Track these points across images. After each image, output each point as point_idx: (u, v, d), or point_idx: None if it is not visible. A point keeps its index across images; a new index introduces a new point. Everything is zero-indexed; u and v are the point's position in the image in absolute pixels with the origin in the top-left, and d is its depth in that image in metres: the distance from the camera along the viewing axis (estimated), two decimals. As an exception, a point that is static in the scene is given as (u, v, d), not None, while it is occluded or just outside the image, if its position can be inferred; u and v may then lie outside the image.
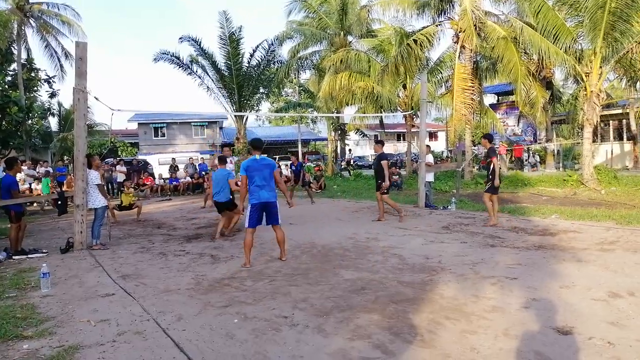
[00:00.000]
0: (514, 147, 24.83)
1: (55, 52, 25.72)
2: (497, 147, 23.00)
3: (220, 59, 23.45)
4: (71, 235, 7.84)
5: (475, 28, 17.73)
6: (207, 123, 37.63)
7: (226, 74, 23.78)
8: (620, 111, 23.05)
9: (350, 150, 37.26)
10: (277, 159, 27.10)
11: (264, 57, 24.43)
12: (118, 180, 17.81)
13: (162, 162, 25.43)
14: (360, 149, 46.08)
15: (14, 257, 7.22)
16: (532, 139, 25.83)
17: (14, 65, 22.85)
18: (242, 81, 24.02)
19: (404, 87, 22.32)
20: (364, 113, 23.16)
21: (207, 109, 48.45)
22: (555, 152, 23.77)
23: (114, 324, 4.12)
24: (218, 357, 3.38)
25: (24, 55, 24.33)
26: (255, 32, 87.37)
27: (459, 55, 18.94)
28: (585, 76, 15.34)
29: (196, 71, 23.94)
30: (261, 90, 26.52)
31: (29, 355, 3.49)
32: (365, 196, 15.06)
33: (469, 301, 4.44)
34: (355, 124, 26.77)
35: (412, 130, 23.52)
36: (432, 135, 48.06)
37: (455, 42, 19.45)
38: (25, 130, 20.53)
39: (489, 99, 30.74)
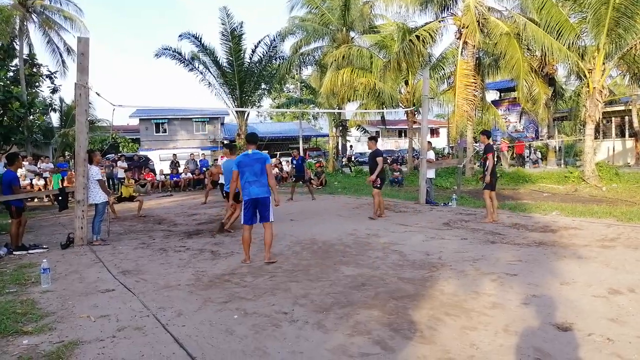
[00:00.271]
0: (515, 144, 24.77)
1: (57, 48, 25.70)
2: (499, 144, 23.05)
3: (221, 55, 23.43)
4: (72, 230, 7.85)
5: (478, 24, 17.66)
6: (208, 119, 37.60)
7: (228, 69, 23.75)
8: (622, 108, 22.95)
9: (351, 146, 37.18)
10: (278, 155, 27.08)
11: (266, 53, 24.39)
12: (119, 176, 17.82)
13: (163, 158, 25.48)
14: (362, 145, 45.93)
15: (14, 252, 7.23)
16: (533, 136, 25.75)
17: (16, 61, 22.80)
18: (243, 77, 23.99)
19: (406, 83, 22.25)
20: (366, 109, 23.11)
21: (209, 105, 48.45)
22: (557, 148, 23.69)
23: (114, 319, 4.13)
24: (218, 353, 3.38)
25: (26, 51, 24.31)
26: (256, 31, 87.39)
27: (462, 52, 18.88)
28: (588, 73, 15.29)
29: (197, 67, 23.92)
30: (263, 86, 26.50)
31: (29, 351, 3.49)
32: (366, 193, 15.01)
33: (469, 297, 4.44)
34: (357, 120, 26.70)
35: (414, 126, 23.47)
36: (434, 132, 47.95)
37: (457, 38, 19.40)
38: (26, 125, 20.53)
39: (491, 96, 30.64)
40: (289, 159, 18.79)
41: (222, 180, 10.12)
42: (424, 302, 4.36)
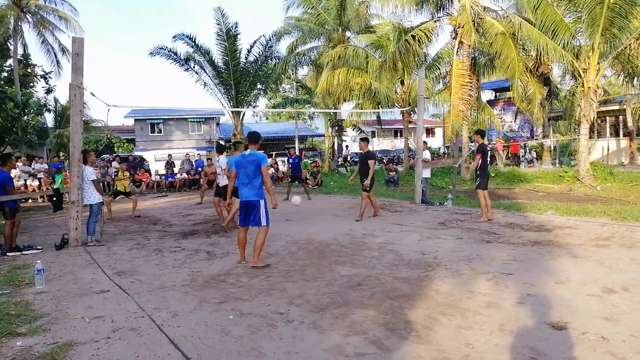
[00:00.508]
0: (510, 143, 24.85)
1: (52, 48, 25.59)
2: (494, 143, 23.10)
3: (217, 55, 23.36)
4: (66, 231, 7.81)
5: (474, 24, 17.69)
6: (203, 119, 37.50)
7: (223, 69, 23.70)
8: (617, 107, 23.08)
9: (347, 146, 37.25)
10: (274, 155, 27.05)
11: (262, 53, 24.34)
12: (112, 176, 17.75)
13: (158, 158, 25.36)
14: (358, 145, 46.03)
15: (8, 253, 7.18)
16: (529, 135, 25.85)
17: (10, 61, 22.69)
18: (239, 77, 23.94)
19: (402, 83, 22.29)
20: (362, 109, 23.12)
21: (204, 105, 48.37)
22: (552, 148, 23.80)
23: (109, 320, 4.11)
24: (213, 354, 3.37)
25: (20, 51, 24.16)
26: (251, 30, 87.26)
27: (457, 51, 18.91)
28: (583, 72, 15.35)
29: (193, 67, 23.85)
30: (258, 86, 26.43)
31: (23, 352, 3.47)
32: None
33: (465, 297, 4.45)
34: (353, 120, 26.72)
35: (410, 126, 23.52)
36: (430, 132, 48.07)
37: (453, 38, 19.41)
38: (21, 126, 20.38)
39: (487, 95, 30.72)
40: (285, 159, 18.76)
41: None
42: (419, 301, 4.37)
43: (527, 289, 4.60)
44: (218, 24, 22.44)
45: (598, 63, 15.07)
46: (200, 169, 19.72)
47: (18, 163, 15.76)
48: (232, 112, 25.32)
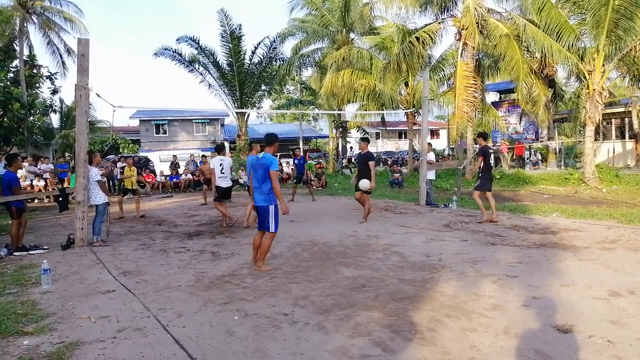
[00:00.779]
0: (515, 146, 24.78)
1: (57, 49, 25.72)
2: (499, 145, 23.04)
3: (221, 57, 23.46)
4: (72, 231, 7.84)
5: (478, 25, 17.69)
6: (208, 120, 37.62)
7: (228, 71, 23.79)
8: (622, 109, 22.96)
9: (351, 147, 37.21)
10: (278, 156, 27.08)
11: (266, 54, 24.42)
12: (119, 177, 17.82)
13: (163, 159, 25.45)
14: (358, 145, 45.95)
15: (15, 253, 7.23)
16: (533, 137, 25.78)
17: (16, 62, 22.85)
18: (243, 78, 24.02)
19: (406, 84, 22.28)
20: (366, 111, 23.13)
21: (209, 106, 48.50)
22: (557, 150, 23.71)
23: (115, 320, 4.13)
24: (218, 354, 3.38)
25: (26, 52, 24.33)
26: (254, 31, 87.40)
27: (462, 53, 18.90)
28: (588, 74, 15.30)
29: (197, 68, 23.94)
30: (263, 87, 26.53)
31: (30, 351, 3.49)
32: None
33: (470, 299, 4.44)
34: (357, 122, 26.74)
35: (414, 128, 23.49)
36: (434, 133, 47.94)
37: (457, 40, 19.41)
38: (27, 126, 20.55)
39: (491, 97, 30.67)
40: (290, 160, 18.75)
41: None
42: (424, 303, 4.37)
43: (533, 291, 4.59)
44: (222, 26, 22.54)
45: (603, 65, 15.02)
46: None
47: (24, 163, 15.83)
48: (236, 113, 25.41)
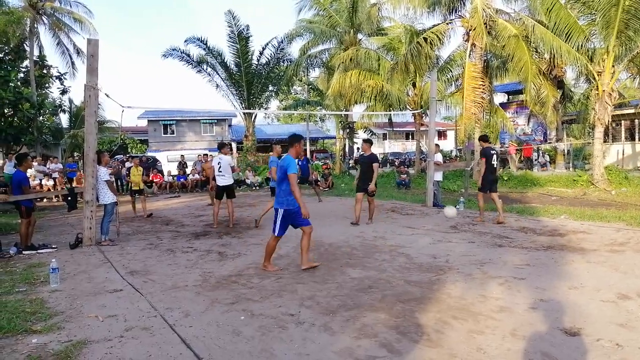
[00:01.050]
0: (523, 147, 24.64)
1: (67, 49, 25.95)
2: (507, 146, 22.90)
3: (229, 57, 23.55)
4: (80, 231, 7.91)
5: (486, 26, 17.61)
6: (216, 120, 37.79)
7: (235, 71, 23.87)
8: (632, 111, 22.72)
9: (358, 148, 37.18)
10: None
11: (274, 55, 24.48)
12: (126, 178, 17.95)
13: (170, 159, 25.59)
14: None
15: (24, 252, 7.29)
16: (542, 139, 25.62)
17: (26, 62, 23.04)
18: (251, 79, 24.10)
19: (414, 85, 22.24)
20: (373, 111, 23.10)
21: (217, 107, 48.70)
22: (566, 152, 23.53)
23: (122, 319, 4.16)
24: (224, 354, 3.39)
25: (36, 52, 24.55)
26: (257, 31, 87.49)
27: (470, 54, 18.83)
28: (597, 75, 15.18)
29: (205, 69, 24.04)
30: (270, 88, 26.59)
31: (38, 350, 3.52)
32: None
33: (477, 301, 4.42)
34: (364, 123, 26.70)
35: (421, 129, 23.43)
36: (441, 134, 47.82)
37: (465, 41, 19.34)
38: (36, 126, 20.69)
39: (499, 98, 30.53)
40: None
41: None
42: (430, 305, 4.35)
43: (540, 293, 4.56)
44: (230, 27, 22.63)
45: (613, 66, 14.89)
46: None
47: (34, 163, 15.98)
48: (244, 113, 25.48)
